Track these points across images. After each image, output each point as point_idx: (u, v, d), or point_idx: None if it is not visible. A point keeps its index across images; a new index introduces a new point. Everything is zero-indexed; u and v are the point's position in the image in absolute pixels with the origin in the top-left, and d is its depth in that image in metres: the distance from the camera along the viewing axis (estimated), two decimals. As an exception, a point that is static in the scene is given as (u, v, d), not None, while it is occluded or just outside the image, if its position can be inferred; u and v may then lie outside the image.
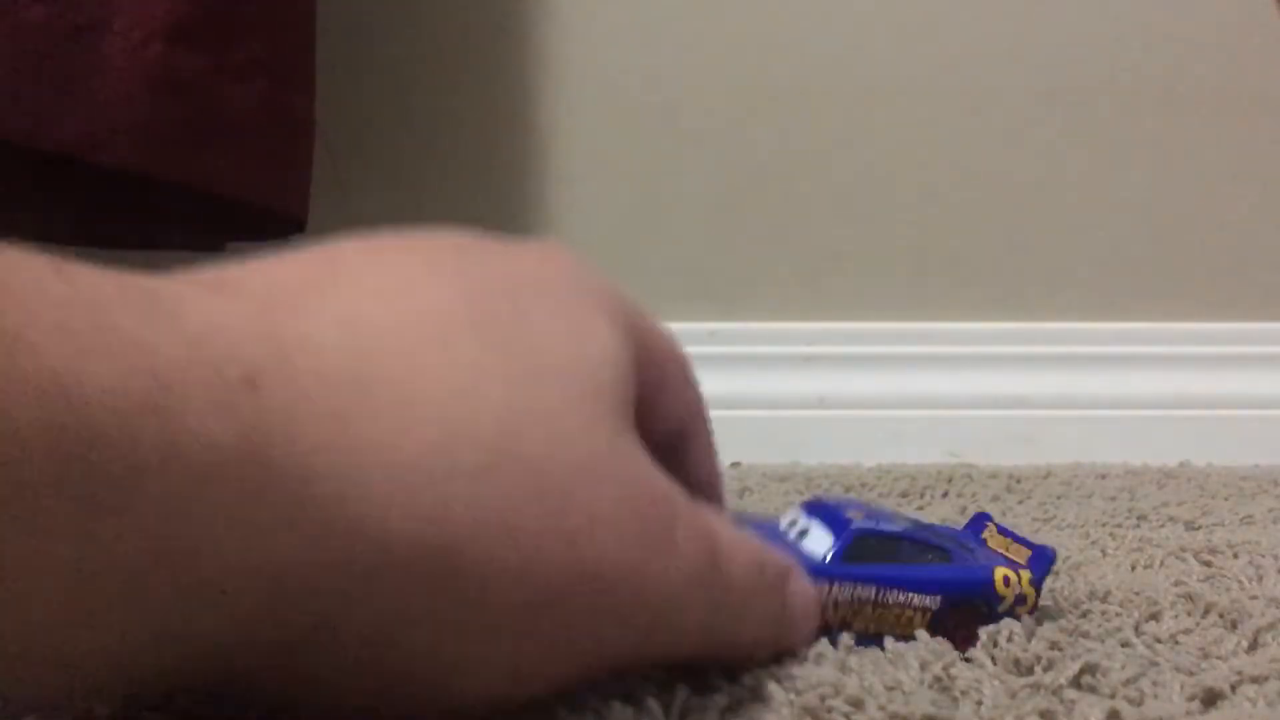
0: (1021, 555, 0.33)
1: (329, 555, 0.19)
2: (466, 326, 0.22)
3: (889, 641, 0.29)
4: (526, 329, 0.23)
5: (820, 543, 0.30)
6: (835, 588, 0.29)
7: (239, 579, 0.18)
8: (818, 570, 0.29)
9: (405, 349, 0.21)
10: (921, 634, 0.30)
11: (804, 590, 0.28)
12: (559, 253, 0.27)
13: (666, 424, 0.28)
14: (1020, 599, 0.31)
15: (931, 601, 0.30)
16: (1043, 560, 0.33)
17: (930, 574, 0.31)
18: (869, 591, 0.30)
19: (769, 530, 0.31)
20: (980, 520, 0.35)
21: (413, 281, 0.23)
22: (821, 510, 0.31)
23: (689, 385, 0.29)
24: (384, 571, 0.19)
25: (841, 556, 0.30)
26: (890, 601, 0.30)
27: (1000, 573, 0.31)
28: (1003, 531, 0.34)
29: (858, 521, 0.30)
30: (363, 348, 0.20)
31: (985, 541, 0.34)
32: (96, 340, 0.16)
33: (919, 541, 0.31)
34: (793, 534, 0.31)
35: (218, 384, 0.18)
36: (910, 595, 0.30)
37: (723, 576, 0.25)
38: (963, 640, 0.30)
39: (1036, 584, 0.32)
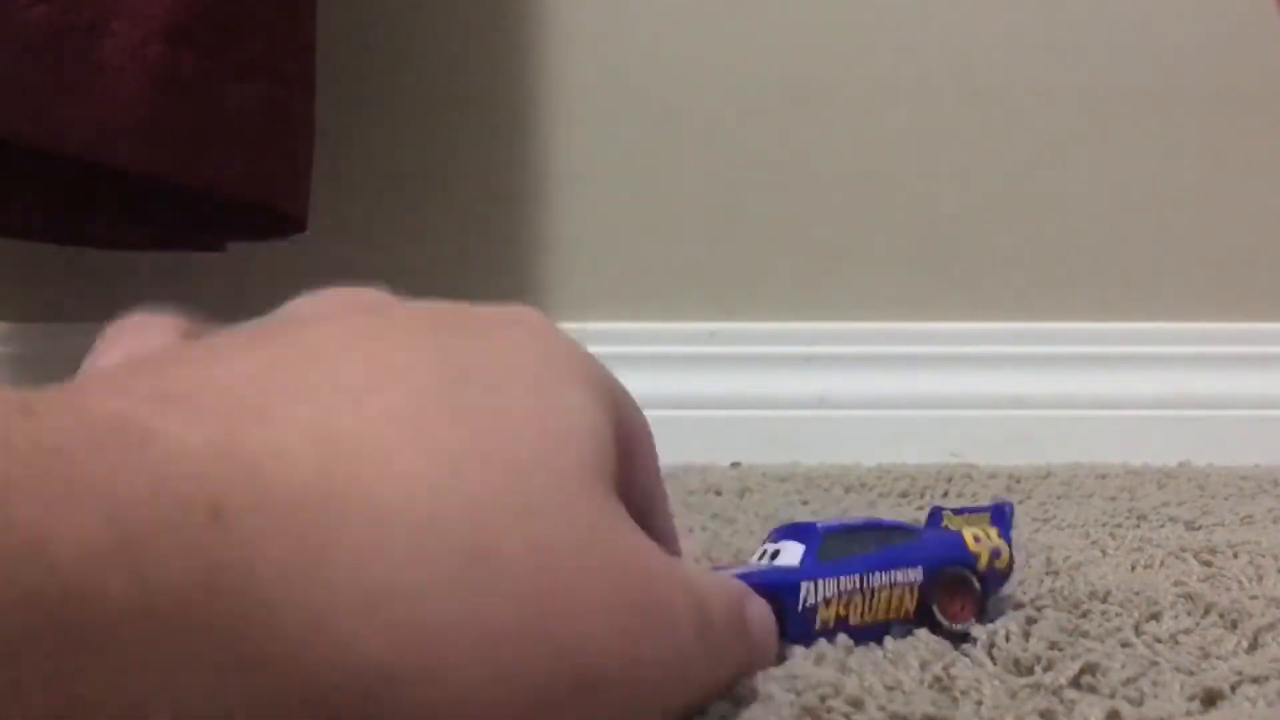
0: (981, 520, 0.34)
1: (301, 691, 0.18)
2: (442, 421, 0.21)
3: (889, 641, 0.29)
4: (504, 413, 0.22)
5: (792, 553, 0.30)
6: (820, 586, 0.30)
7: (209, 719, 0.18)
8: (797, 576, 0.30)
9: (379, 455, 0.20)
10: (921, 633, 0.30)
11: (760, 610, 0.28)
12: (533, 321, 0.26)
13: (635, 494, 0.27)
14: (995, 553, 0.32)
15: (914, 575, 0.31)
16: (1001, 515, 0.34)
17: (904, 551, 0.31)
18: (852, 581, 0.30)
19: (740, 576, 0.31)
20: (935, 513, 0.36)
21: (386, 374, 0.22)
22: (785, 530, 0.32)
23: (652, 452, 0.29)
24: (359, 699, 0.18)
25: (815, 556, 0.30)
26: (876, 586, 0.30)
27: (968, 533, 0.32)
28: (956, 512, 0.35)
29: (822, 524, 0.31)
30: (334, 459, 0.19)
31: (943, 525, 0.35)
32: (63, 491, 0.16)
33: (884, 528, 0.32)
34: (765, 561, 0.31)
35: (182, 523, 0.17)
36: (893, 574, 0.31)
37: (712, 631, 0.25)
38: (956, 612, 0.31)
39: (1005, 536, 0.33)
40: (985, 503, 0.35)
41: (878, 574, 0.30)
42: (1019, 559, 0.34)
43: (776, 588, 0.29)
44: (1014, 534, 0.34)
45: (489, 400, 0.22)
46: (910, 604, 0.31)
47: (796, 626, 0.29)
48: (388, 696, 0.19)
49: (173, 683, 0.17)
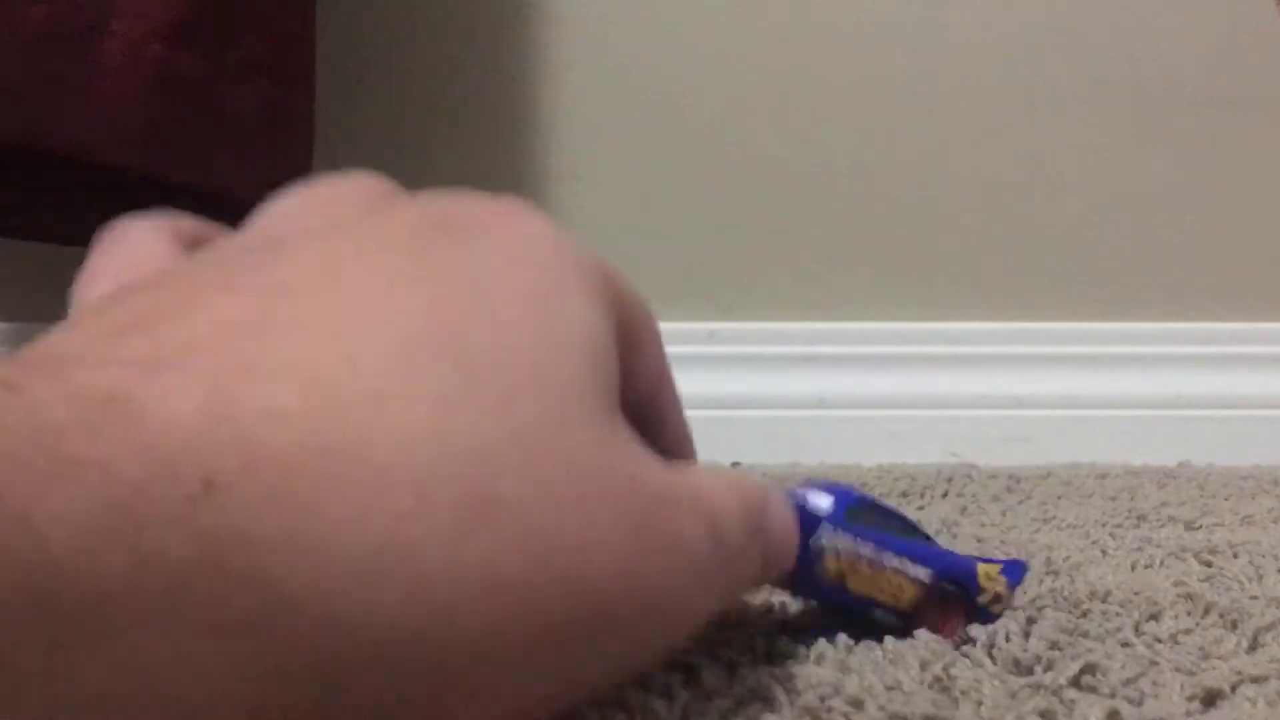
0: (996, 567, 0.34)
1: (306, 656, 0.18)
2: (432, 356, 0.20)
3: (889, 641, 0.29)
4: (496, 337, 0.21)
5: (822, 500, 0.30)
6: (836, 535, 0.29)
7: (218, 698, 0.17)
8: (821, 518, 0.29)
9: (370, 404, 0.19)
10: (921, 633, 0.30)
11: (782, 514, 0.28)
12: (525, 220, 0.25)
13: (640, 385, 0.27)
14: (997, 598, 0.32)
15: (924, 574, 0.31)
16: (1016, 570, 0.34)
17: (924, 549, 0.31)
18: (867, 549, 0.30)
19: None
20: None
21: (372, 306, 0.21)
22: (817, 482, 0.32)
23: (657, 341, 0.28)
24: (367, 659, 0.18)
25: (844, 513, 0.30)
26: (886, 565, 0.30)
27: (982, 567, 0.32)
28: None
29: (857, 491, 0.31)
30: (325, 413, 0.19)
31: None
32: (55, 469, 0.16)
33: (911, 523, 0.32)
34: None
35: (175, 496, 0.17)
36: (905, 562, 0.30)
37: (725, 546, 0.24)
38: (946, 629, 0.31)
39: (1011, 588, 0.33)
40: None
41: (891, 554, 0.30)
42: (1044, 604, 0.34)
43: (798, 517, 0.29)
44: (1018, 591, 0.34)
45: (480, 324, 0.21)
46: (906, 597, 0.30)
47: (802, 560, 0.29)
48: (398, 653, 0.18)
49: (174, 660, 0.17)
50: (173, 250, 0.26)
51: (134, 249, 0.25)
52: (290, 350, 0.20)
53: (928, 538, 0.32)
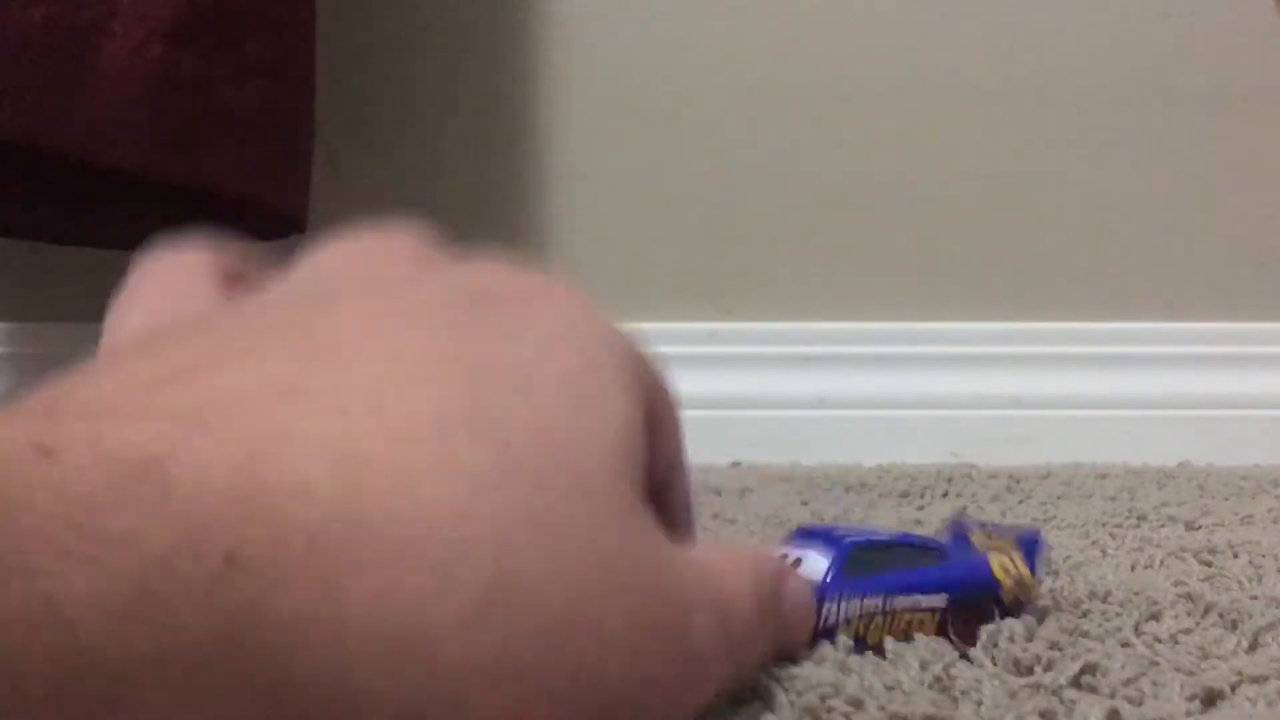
0: (1008, 545, 0.33)
1: None
2: (466, 429, 0.20)
3: (889, 641, 0.29)
4: (533, 419, 0.21)
5: (817, 565, 0.29)
6: (841, 605, 0.29)
7: None
8: (820, 592, 0.29)
9: (401, 476, 0.19)
10: (920, 634, 0.30)
11: (798, 589, 0.28)
12: (566, 300, 0.25)
13: (658, 466, 0.27)
14: (1020, 583, 0.32)
15: (939, 601, 0.30)
16: (1030, 544, 0.33)
17: (932, 575, 0.31)
18: (876, 602, 0.29)
19: None
20: (960, 527, 0.35)
21: (407, 377, 0.21)
22: (810, 535, 0.31)
23: (677, 422, 0.28)
24: None
25: (841, 572, 0.29)
26: (898, 608, 0.29)
27: (996, 560, 0.32)
28: (984, 528, 0.34)
29: (850, 536, 0.30)
30: (355, 487, 0.19)
31: (971, 544, 0.34)
32: (82, 548, 0.16)
33: (913, 546, 0.31)
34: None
35: (200, 573, 0.17)
36: (916, 598, 0.30)
37: (735, 636, 0.24)
38: (971, 639, 0.30)
39: (1031, 566, 0.32)
40: (1015, 525, 0.34)
41: (901, 597, 0.30)
42: (1041, 588, 0.33)
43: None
44: (1040, 566, 0.33)
45: (516, 404, 0.21)
46: (930, 629, 0.30)
47: (815, 636, 0.28)
48: None
49: None
50: (214, 288, 0.25)
51: (174, 283, 0.25)
52: (325, 419, 0.19)
53: (934, 550, 0.31)
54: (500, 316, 0.23)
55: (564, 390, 0.22)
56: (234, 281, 0.26)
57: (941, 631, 0.30)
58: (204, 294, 0.25)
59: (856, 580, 0.29)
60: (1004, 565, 0.32)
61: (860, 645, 0.29)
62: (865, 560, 0.30)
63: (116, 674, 0.16)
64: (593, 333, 0.24)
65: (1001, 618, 0.31)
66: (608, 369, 0.23)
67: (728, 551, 0.26)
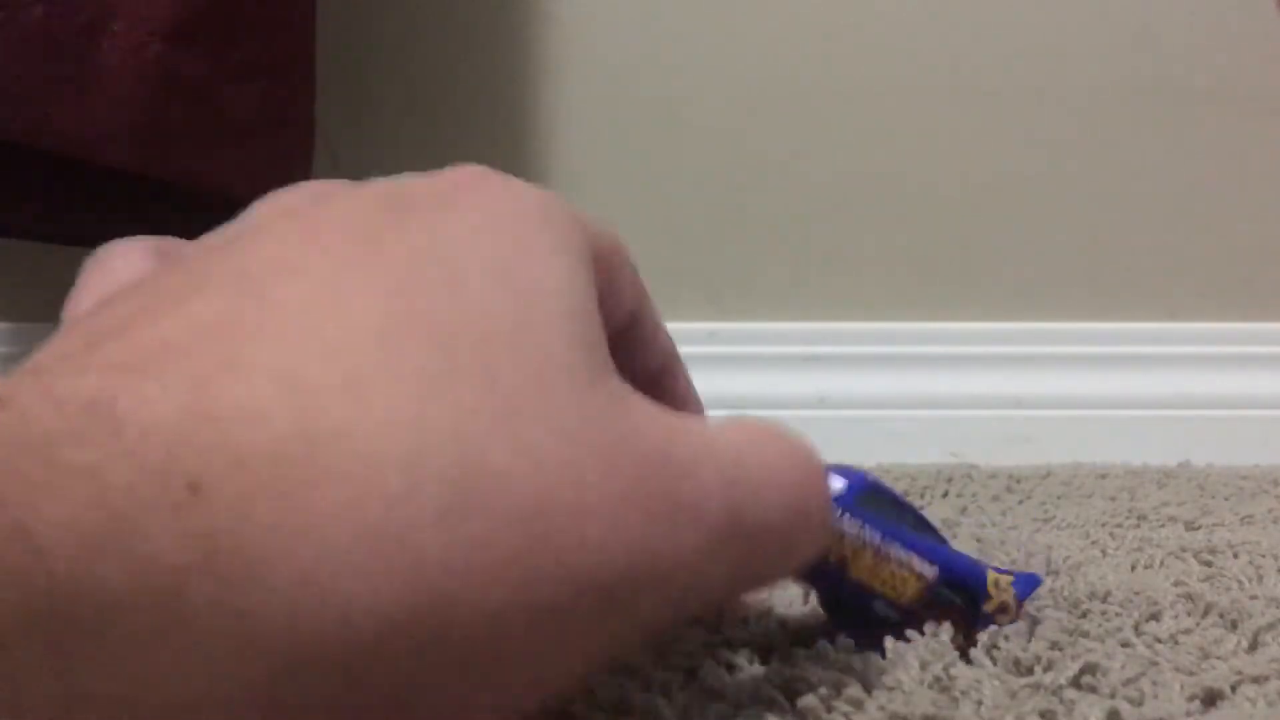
0: (1008, 577, 0.33)
1: (311, 651, 0.18)
2: (407, 339, 0.20)
3: (889, 641, 0.29)
4: (470, 309, 0.21)
5: (835, 481, 0.29)
6: (845, 520, 0.29)
7: (227, 698, 0.17)
8: (832, 500, 0.28)
9: (350, 393, 0.19)
10: (919, 635, 0.30)
11: (828, 499, 0.27)
12: (483, 184, 0.24)
13: (618, 317, 0.26)
14: (1004, 608, 0.31)
15: (929, 571, 0.30)
16: (1028, 583, 0.33)
17: (934, 546, 0.30)
18: (874, 536, 0.29)
19: None
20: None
21: (342, 293, 0.21)
22: (834, 467, 0.30)
23: (631, 268, 0.27)
24: (375, 650, 0.18)
25: (854, 497, 0.29)
26: (891, 555, 0.29)
27: (992, 575, 0.32)
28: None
29: (872, 477, 0.30)
30: (306, 406, 0.19)
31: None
32: (48, 479, 0.16)
33: (921, 519, 0.31)
34: None
35: (165, 502, 0.17)
36: (911, 556, 0.29)
37: (748, 516, 0.23)
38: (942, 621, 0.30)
39: (1020, 600, 0.32)
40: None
41: (898, 546, 0.29)
42: (1044, 604, 0.33)
43: None
44: (1025, 604, 0.33)
45: (451, 299, 0.21)
46: (909, 592, 0.30)
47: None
48: (405, 643, 0.18)
49: (177, 663, 0.17)
50: (151, 265, 0.26)
51: (115, 266, 0.25)
52: (263, 347, 0.19)
53: (942, 540, 0.31)
54: (420, 216, 0.23)
55: (497, 274, 0.22)
56: (172, 257, 0.27)
57: (921, 601, 0.30)
58: (143, 271, 0.25)
59: (864, 510, 0.29)
60: (998, 583, 0.31)
61: (840, 570, 0.28)
62: (877, 502, 0.29)
63: (91, 601, 0.16)
64: (518, 210, 0.24)
65: (974, 622, 0.31)
66: (540, 241, 0.23)
67: (751, 428, 0.25)
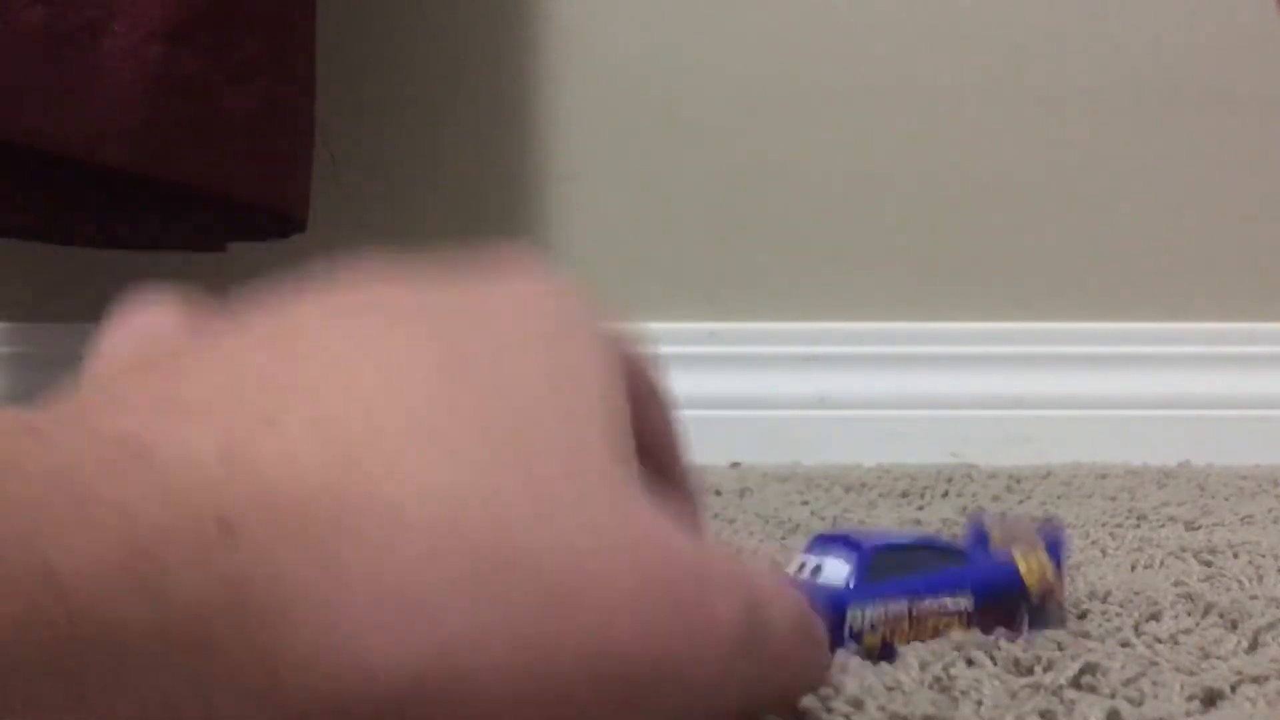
0: (1033, 540, 0.32)
1: (325, 703, 0.18)
2: (447, 409, 0.20)
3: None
4: (511, 394, 0.21)
5: (837, 571, 0.29)
6: (865, 611, 0.28)
7: None
8: (843, 598, 0.28)
9: (386, 450, 0.19)
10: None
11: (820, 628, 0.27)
12: (532, 274, 0.25)
13: (648, 431, 0.26)
14: (1046, 582, 0.31)
15: (966, 603, 0.29)
16: (1054, 542, 0.32)
17: (957, 576, 0.30)
18: (901, 606, 0.29)
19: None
20: (977, 523, 0.34)
21: (386, 361, 0.21)
22: (828, 542, 0.30)
23: (664, 390, 0.27)
24: (386, 706, 0.18)
25: (864, 578, 0.28)
26: (924, 612, 0.29)
27: (1021, 560, 0.31)
28: (1003, 520, 0.34)
29: (871, 540, 0.29)
30: (343, 462, 0.19)
31: (991, 541, 0.33)
32: (76, 514, 0.16)
33: (935, 549, 0.30)
34: (806, 575, 0.29)
35: (195, 541, 0.17)
36: (943, 600, 0.29)
37: (764, 637, 0.23)
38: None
39: (1057, 563, 0.31)
40: (1035, 519, 0.34)
41: (927, 599, 0.29)
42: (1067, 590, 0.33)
43: (822, 609, 0.26)
44: (1065, 564, 0.32)
45: (496, 388, 0.21)
46: (960, 629, 0.29)
47: (838, 644, 0.28)
48: (414, 703, 0.18)
49: (197, 702, 0.17)
50: (181, 318, 0.26)
51: (147, 325, 0.25)
52: (308, 403, 0.20)
53: (957, 552, 0.31)
54: (470, 309, 0.23)
55: (542, 370, 0.22)
56: (199, 319, 0.27)
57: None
58: (174, 322, 0.25)
59: (880, 584, 0.28)
60: (1029, 564, 0.31)
61: (887, 651, 0.28)
62: (887, 564, 0.29)
63: (114, 640, 0.16)
64: (561, 307, 0.24)
65: (1030, 617, 0.31)
66: (582, 335, 0.23)
67: (779, 577, 0.25)
